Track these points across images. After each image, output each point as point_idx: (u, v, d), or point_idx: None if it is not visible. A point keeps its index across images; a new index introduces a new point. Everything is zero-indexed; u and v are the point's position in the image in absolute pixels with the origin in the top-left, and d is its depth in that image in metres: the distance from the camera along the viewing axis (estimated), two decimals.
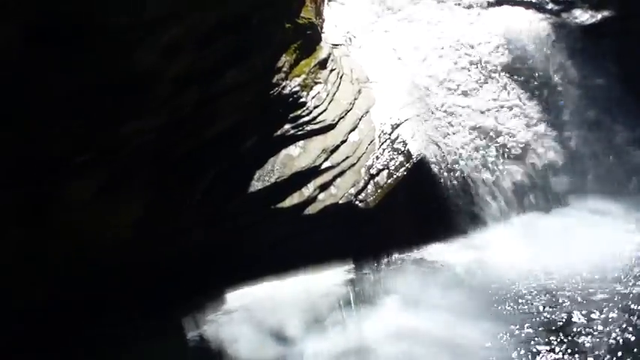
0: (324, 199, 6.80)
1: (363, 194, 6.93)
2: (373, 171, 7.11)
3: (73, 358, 5.31)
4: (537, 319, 5.30)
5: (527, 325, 5.17)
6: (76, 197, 5.25)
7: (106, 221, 5.51)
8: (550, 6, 9.50)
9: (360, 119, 7.47)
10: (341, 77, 7.84)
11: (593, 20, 9.17)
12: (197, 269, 6.11)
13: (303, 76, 7.28)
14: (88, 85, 4.89)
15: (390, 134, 7.34)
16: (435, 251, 7.03)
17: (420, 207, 7.21)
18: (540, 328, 5.10)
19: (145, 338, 5.44)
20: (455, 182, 7.50)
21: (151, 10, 5.46)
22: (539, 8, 9.51)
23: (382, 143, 7.28)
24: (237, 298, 6.22)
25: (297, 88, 7.11)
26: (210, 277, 6.18)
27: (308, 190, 6.75)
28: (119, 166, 5.54)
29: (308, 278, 6.51)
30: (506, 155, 8.10)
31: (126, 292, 5.67)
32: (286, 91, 7.02)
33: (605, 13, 9.12)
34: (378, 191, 6.98)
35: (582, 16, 9.27)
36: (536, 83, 8.91)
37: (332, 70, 7.76)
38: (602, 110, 8.77)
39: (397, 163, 7.13)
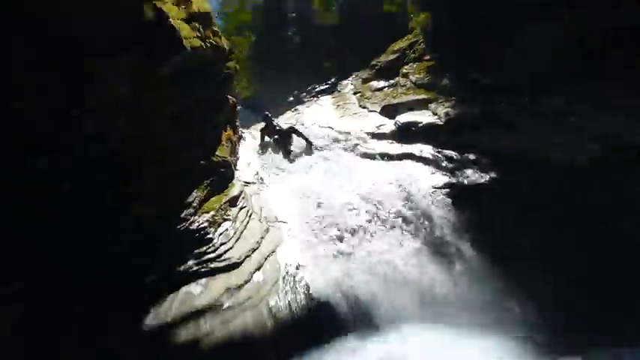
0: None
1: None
2: (274, 311, 6.98)
3: None
4: None
5: None
6: None
7: None
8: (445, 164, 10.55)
9: (265, 259, 7.50)
10: (250, 215, 8.01)
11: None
12: None
13: (213, 212, 7.36)
14: None
15: (294, 276, 7.39)
16: None
17: None
18: None
19: None
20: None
21: None
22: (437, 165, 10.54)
23: (286, 284, 7.28)
24: None
25: (205, 224, 7.13)
26: None
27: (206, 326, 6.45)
28: None
29: None
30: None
31: None
32: (194, 226, 7.02)
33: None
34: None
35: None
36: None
37: (242, 208, 7.94)
38: None
39: (300, 305, 7.09)
